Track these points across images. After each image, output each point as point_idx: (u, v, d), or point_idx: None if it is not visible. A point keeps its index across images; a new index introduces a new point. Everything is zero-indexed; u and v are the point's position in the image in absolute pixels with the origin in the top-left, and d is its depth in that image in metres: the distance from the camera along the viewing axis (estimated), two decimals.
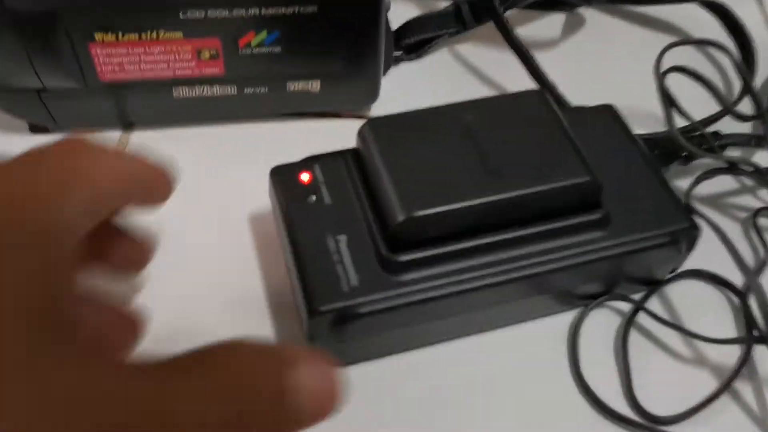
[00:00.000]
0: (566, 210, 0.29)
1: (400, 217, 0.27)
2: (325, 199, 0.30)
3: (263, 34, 0.34)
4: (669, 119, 0.34)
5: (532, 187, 0.28)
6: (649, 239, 0.30)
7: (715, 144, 0.35)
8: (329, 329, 0.28)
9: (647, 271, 0.32)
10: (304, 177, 0.30)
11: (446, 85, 0.41)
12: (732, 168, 0.34)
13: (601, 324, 0.32)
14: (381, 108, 0.40)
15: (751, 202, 0.37)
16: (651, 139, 0.35)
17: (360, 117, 0.40)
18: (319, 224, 0.29)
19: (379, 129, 0.30)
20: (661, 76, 0.34)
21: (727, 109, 0.36)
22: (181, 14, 0.33)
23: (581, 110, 0.35)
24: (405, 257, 0.28)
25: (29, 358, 0.16)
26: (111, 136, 0.38)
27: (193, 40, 0.34)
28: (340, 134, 0.39)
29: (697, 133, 0.35)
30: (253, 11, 0.33)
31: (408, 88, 0.41)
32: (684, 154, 0.35)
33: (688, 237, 0.31)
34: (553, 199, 0.29)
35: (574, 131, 0.30)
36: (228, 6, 0.33)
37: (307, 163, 0.31)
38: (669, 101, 0.34)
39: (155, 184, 0.23)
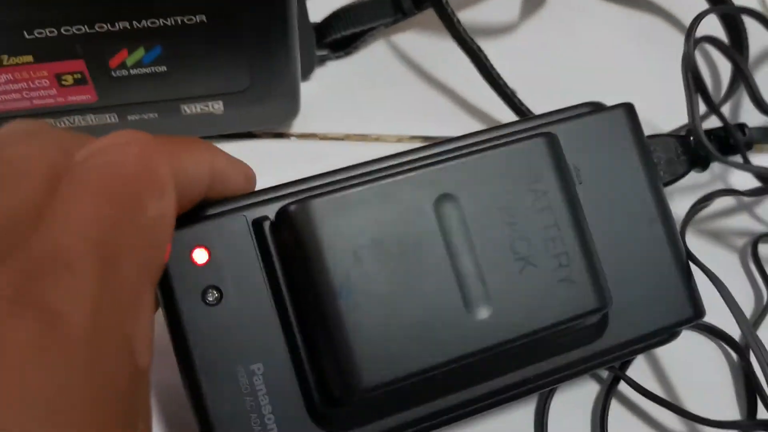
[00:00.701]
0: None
1: (349, 387, 0.19)
2: (231, 299, 0.20)
3: (140, 52, 0.27)
4: (694, 111, 0.26)
5: (524, 330, 0.20)
6: (649, 337, 0.23)
7: (742, 140, 0.27)
8: None
9: None
10: (200, 256, 0.20)
11: (385, 87, 0.34)
12: (731, 191, 0.27)
13: (575, 395, 0.26)
14: (306, 122, 0.33)
15: (749, 224, 0.31)
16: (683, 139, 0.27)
17: (280, 135, 0.33)
18: (224, 342, 0.20)
19: (314, 223, 0.20)
20: (692, 53, 0.26)
21: (756, 98, 0.28)
22: (26, 34, 0.25)
23: (590, 114, 0.24)
24: (347, 410, 0.20)
25: None
26: None
27: (49, 64, 0.26)
28: (256, 159, 0.32)
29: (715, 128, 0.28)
30: (122, 25, 0.26)
31: (338, 92, 0.34)
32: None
33: (690, 323, 0.24)
34: (550, 335, 0.21)
35: (576, 157, 0.22)
36: (86, 20, 0.25)
37: (203, 227, 0.20)
38: (697, 86, 0.26)
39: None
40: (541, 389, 0.22)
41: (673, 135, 0.27)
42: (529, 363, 0.22)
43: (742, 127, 0.28)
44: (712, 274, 0.25)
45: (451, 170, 0.21)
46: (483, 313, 0.20)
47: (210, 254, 0.20)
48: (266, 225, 0.21)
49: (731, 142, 0.27)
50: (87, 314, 0.14)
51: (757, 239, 0.30)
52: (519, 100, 0.32)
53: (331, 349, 0.19)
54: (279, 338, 0.20)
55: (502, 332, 0.20)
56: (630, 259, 0.23)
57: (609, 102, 0.25)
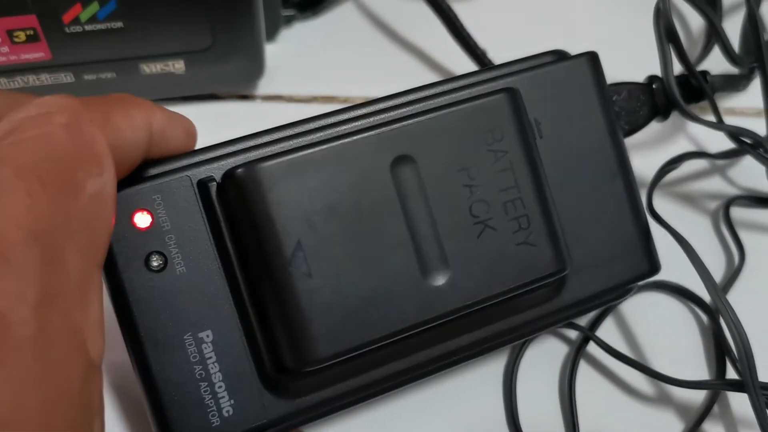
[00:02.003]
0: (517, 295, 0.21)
1: (302, 358, 0.19)
2: (176, 265, 0.19)
3: (93, 6, 0.25)
4: (666, 61, 0.26)
5: (481, 296, 0.20)
6: (606, 293, 0.22)
7: (708, 88, 0.26)
8: None
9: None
10: (142, 220, 0.19)
11: (353, 48, 0.33)
12: (702, 153, 0.27)
13: (544, 357, 0.26)
14: (271, 83, 0.32)
15: (721, 187, 0.30)
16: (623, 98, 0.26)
17: (245, 97, 0.32)
18: (172, 311, 0.19)
19: (263, 188, 0.19)
20: (666, 5, 0.25)
21: (726, 50, 0.28)
22: None
23: (555, 63, 0.23)
24: (301, 378, 0.20)
25: None
26: None
27: (0, 19, 0.25)
28: (219, 122, 0.32)
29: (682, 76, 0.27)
30: None
31: (305, 54, 0.33)
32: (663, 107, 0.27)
33: (645, 278, 0.23)
34: (508, 298, 0.21)
35: (538, 109, 0.21)
36: None
37: (144, 188, 0.19)
38: (670, 37, 0.26)
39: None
40: (499, 347, 0.22)
41: (635, 83, 0.26)
42: (487, 324, 0.21)
43: (704, 74, 0.27)
44: (680, 236, 0.24)
45: (409, 130, 0.20)
46: (440, 279, 0.20)
47: (153, 218, 0.19)
48: (212, 187, 0.20)
49: (694, 85, 0.26)
50: (32, 311, 0.13)
51: (729, 202, 0.29)
52: (490, 61, 0.31)
53: (283, 320, 0.19)
54: (228, 304, 0.19)
55: (459, 299, 0.20)
56: (589, 215, 0.22)
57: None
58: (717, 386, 0.24)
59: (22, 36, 0.26)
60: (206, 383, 0.19)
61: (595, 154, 0.22)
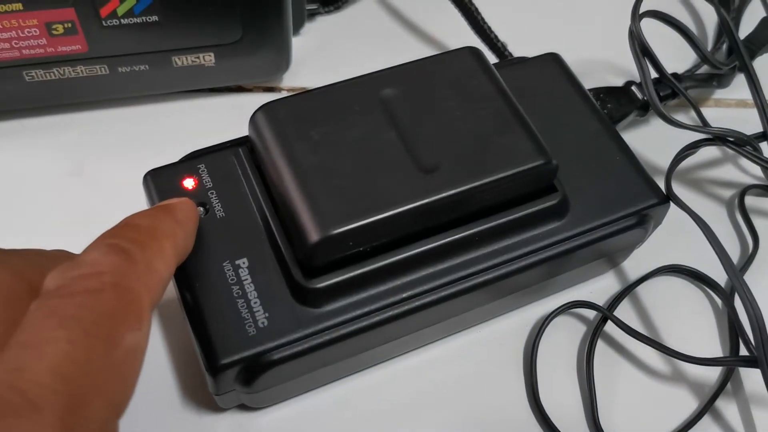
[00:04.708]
0: (515, 201, 0.24)
1: (313, 238, 0.21)
2: (217, 212, 0.24)
3: (131, 1, 0.27)
4: (645, 75, 0.28)
5: (474, 181, 0.23)
6: (615, 223, 0.25)
7: (678, 87, 0.29)
8: (238, 383, 0.22)
9: (608, 257, 0.27)
10: (188, 183, 0.24)
11: (374, 42, 0.34)
12: (719, 138, 0.28)
13: (563, 336, 0.27)
14: (295, 76, 0.33)
15: (736, 175, 0.31)
16: (604, 91, 0.30)
17: (271, 89, 0.33)
18: (212, 246, 0.23)
19: (276, 117, 0.23)
20: (638, 23, 0.28)
21: (705, 57, 0.30)
22: None
23: (521, 63, 0.29)
24: (324, 283, 0.22)
25: None
26: None
27: (39, 12, 0.26)
28: (246, 113, 0.33)
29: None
30: None
31: (328, 48, 0.34)
32: (640, 104, 0.30)
33: (658, 213, 0.26)
34: (501, 191, 0.23)
35: (517, 94, 0.25)
36: None
37: (190, 163, 0.25)
38: (643, 51, 0.28)
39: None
40: (513, 268, 0.24)
41: (614, 87, 0.30)
42: (495, 233, 0.23)
43: (675, 75, 0.30)
44: (698, 217, 0.25)
45: (391, 72, 0.25)
46: (432, 166, 0.22)
47: (197, 181, 0.24)
48: (242, 149, 0.25)
49: (674, 90, 0.29)
50: None
51: (744, 191, 0.30)
52: (510, 54, 0.32)
53: (297, 208, 0.22)
54: (261, 237, 0.23)
55: (453, 183, 0.22)
56: (580, 160, 0.26)
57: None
58: (731, 362, 0.25)
59: (60, 29, 0.27)
60: (242, 300, 0.22)
61: (577, 120, 0.27)
